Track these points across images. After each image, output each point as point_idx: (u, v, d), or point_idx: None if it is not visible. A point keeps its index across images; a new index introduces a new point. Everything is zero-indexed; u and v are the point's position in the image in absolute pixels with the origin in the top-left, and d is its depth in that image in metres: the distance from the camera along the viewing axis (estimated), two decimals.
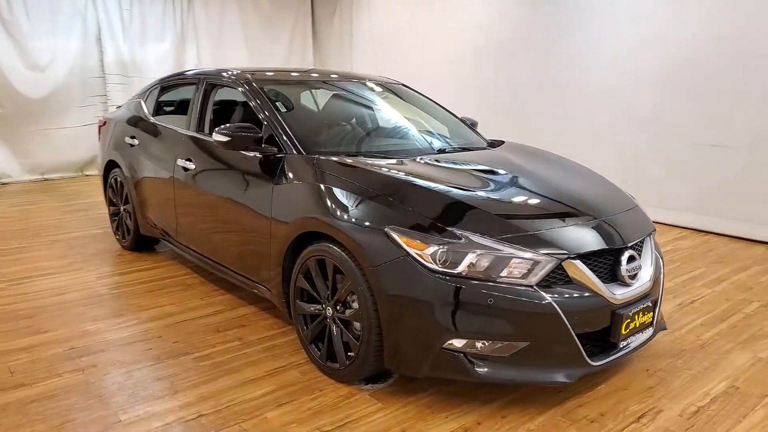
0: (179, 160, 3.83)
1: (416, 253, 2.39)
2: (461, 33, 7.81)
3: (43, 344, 3.14)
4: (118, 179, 4.72)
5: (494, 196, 2.73)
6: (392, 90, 4.14)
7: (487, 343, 2.37)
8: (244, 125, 3.23)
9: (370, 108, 3.92)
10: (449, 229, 2.41)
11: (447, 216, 2.49)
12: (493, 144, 3.78)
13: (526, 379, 2.42)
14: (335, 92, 4.00)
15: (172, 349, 3.11)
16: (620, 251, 2.59)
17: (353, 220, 2.58)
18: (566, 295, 2.38)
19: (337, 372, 2.78)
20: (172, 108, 4.55)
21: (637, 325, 2.61)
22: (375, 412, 2.55)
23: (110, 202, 4.99)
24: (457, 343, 2.37)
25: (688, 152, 5.81)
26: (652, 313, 2.70)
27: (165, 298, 3.83)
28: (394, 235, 2.43)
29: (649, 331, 2.73)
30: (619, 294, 2.52)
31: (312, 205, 2.81)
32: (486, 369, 2.38)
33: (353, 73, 4.22)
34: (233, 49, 9.70)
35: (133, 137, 4.47)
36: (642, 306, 2.61)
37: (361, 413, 2.54)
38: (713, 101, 5.56)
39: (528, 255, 2.36)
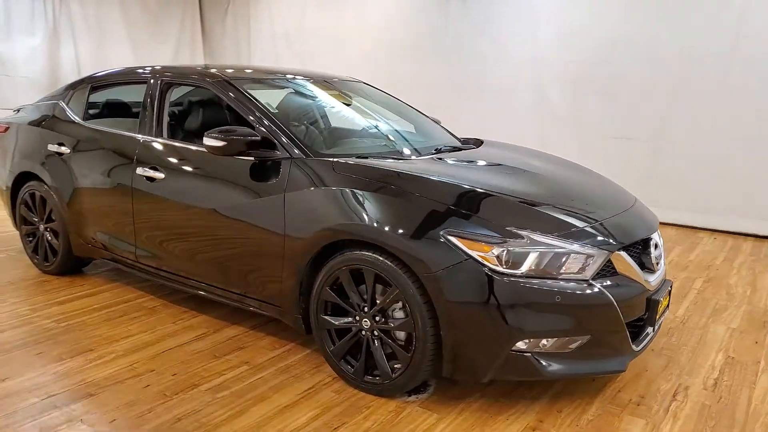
0: (140, 168, 3.39)
1: (479, 256, 2.33)
2: (376, 30, 7.80)
3: (8, 396, 2.62)
4: (37, 194, 4.08)
5: (532, 193, 2.74)
6: (360, 89, 4.01)
7: (551, 341, 2.37)
8: (235, 128, 2.94)
9: (356, 108, 3.76)
10: (509, 229, 2.38)
11: (503, 216, 2.46)
12: (476, 142, 3.81)
13: (588, 371, 2.47)
14: (310, 92, 3.78)
15: (175, 383, 2.74)
16: (647, 240, 2.73)
17: (401, 226, 2.45)
18: (616, 286, 2.45)
19: (377, 386, 2.63)
20: (110, 111, 4.03)
21: (662, 309, 2.77)
22: (435, 423, 2.45)
23: (23, 221, 4.30)
24: (522, 344, 2.35)
25: (601, 144, 6.30)
26: (668, 296, 2.89)
27: (132, 325, 3.38)
28: (454, 239, 2.35)
29: (666, 314, 2.91)
30: (651, 280, 2.66)
31: (343, 213, 2.62)
32: (554, 366, 2.38)
33: (321, 72, 4.01)
34: (116, 48, 8.86)
35: (60, 144, 3.88)
36: (665, 290, 2.77)
37: (423, 427, 2.42)
38: (623, 97, 6.10)
39: (584, 249, 2.40)
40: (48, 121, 4.07)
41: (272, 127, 2.99)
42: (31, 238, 4.29)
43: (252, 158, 2.93)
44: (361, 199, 2.60)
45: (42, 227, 4.13)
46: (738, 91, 5.47)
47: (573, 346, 2.40)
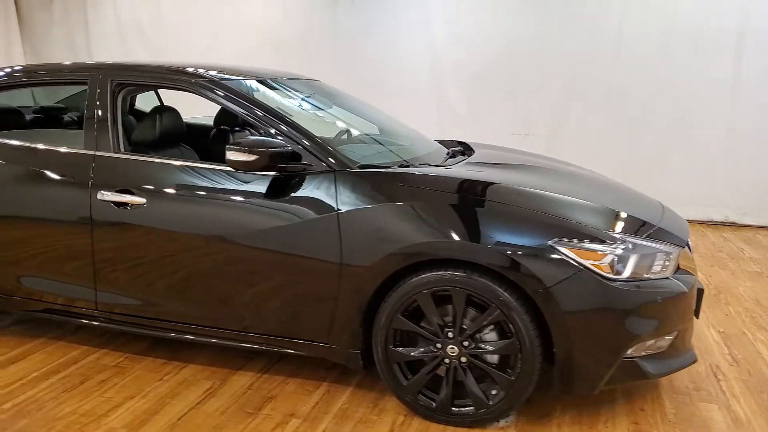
0: (102, 193, 2.67)
1: (592, 265, 2.23)
2: (259, 27, 7.23)
3: None
4: None
5: (598, 197, 2.71)
6: (323, 89, 3.61)
7: (652, 342, 2.37)
8: (261, 139, 2.47)
9: (341, 113, 3.38)
10: (611, 234, 2.32)
11: (600, 222, 2.39)
12: (459, 144, 3.68)
13: (678, 366, 2.51)
14: (303, 95, 3.31)
15: None
16: None
17: (504, 241, 2.25)
18: (686, 282, 2.53)
19: (470, 417, 2.39)
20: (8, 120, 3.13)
21: None
22: None
23: None
24: (631, 349, 2.32)
25: (502, 141, 6.58)
26: None
27: (108, 392, 2.66)
28: (566, 250, 2.22)
29: None
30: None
31: (425, 230, 2.32)
32: (654, 366, 2.38)
33: (276, 71, 3.53)
34: None
35: None
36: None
37: None
38: (520, 96, 6.44)
39: (666, 248, 2.43)
40: None
41: (301, 136, 2.56)
42: None
43: (277, 173, 2.48)
44: (446, 213, 2.34)
45: None
46: (622, 87, 6.09)
47: (666, 343, 2.43)
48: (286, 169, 2.49)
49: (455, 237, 2.29)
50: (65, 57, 8.17)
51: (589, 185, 2.98)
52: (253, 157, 2.38)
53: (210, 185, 2.59)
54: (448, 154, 3.19)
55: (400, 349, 2.43)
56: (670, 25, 5.87)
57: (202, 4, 7.47)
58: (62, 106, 3.98)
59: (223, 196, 2.57)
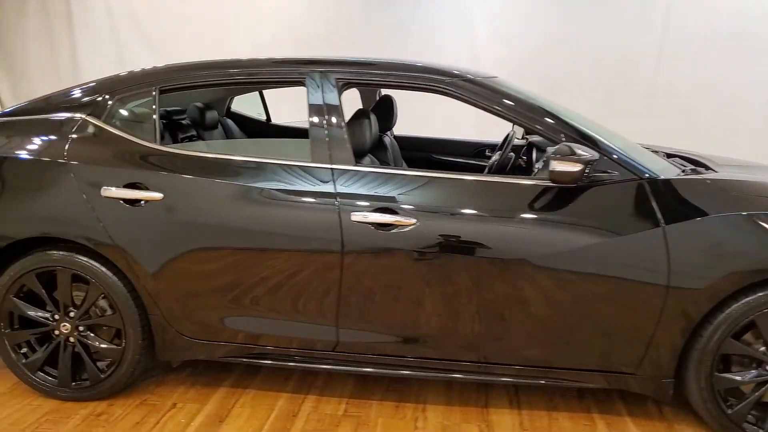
0: (357, 214, 2.24)
1: None
2: (279, 20, 6.68)
3: None
4: (62, 272, 2.41)
5: None
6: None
7: None
8: (567, 146, 2.15)
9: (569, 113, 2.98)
10: None
11: None
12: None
13: None
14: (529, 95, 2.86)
15: None
16: None
17: None
18: None
19: None
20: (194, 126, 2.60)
21: None
22: None
23: (14, 322, 2.51)
24: None
25: None
26: None
27: None
28: None
29: None
30: None
31: None
32: None
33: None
34: None
35: (136, 186, 2.33)
36: None
37: None
38: (562, 95, 6.32)
39: None
40: (77, 150, 2.42)
41: (597, 142, 2.27)
42: (25, 349, 2.54)
43: (582, 184, 2.19)
44: None
45: (68, 329, 2.46)
46: (664, 89, 6.18)
47: None
48: (590, 179, 2.19)
49: None
50: (42, 53, 7.17)
51: None
52: (578, 167, 2.07)
53: (495, 201, 2.24)
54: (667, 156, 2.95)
55: (727, 375, 2.22)
56: (714, 24, 6.02)
57: None
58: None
59: (509, 213, 2.22)
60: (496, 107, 2.36)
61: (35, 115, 2.58)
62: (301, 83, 2.45)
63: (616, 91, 6.23)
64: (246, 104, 4.07)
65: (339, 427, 2.39)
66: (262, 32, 6.74)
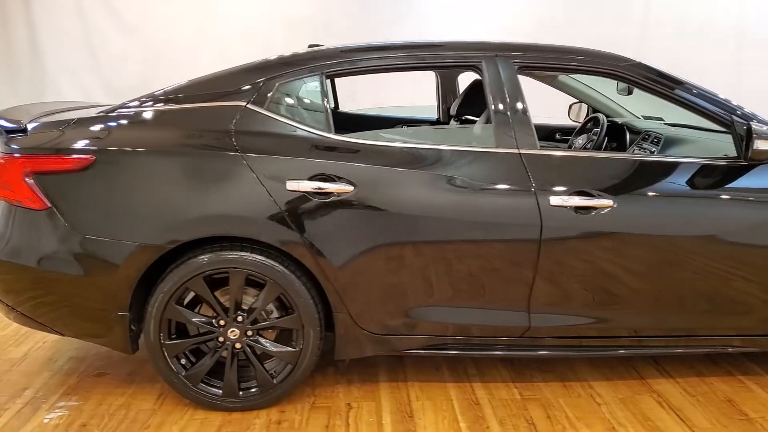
0: (556, 197, 2.26)
1: None
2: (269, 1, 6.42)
3: None
4: (238, 275, 2.23)
5: None
6: None
7: None
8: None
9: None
10: None
11: None
12: None
13: None
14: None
15: None
16: None
17: None
18: None
19: None
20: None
21: None
22: None
23: (173, 329, 2.30)
24: None
25: None
26: None
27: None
28: None
29: None
30: None
31: None
32: None
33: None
34: None
35: (326, 179, 2.20)
36: None
37: None
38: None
39: None
40: (246, 142, 2.23)
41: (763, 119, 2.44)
42: (186, 356, 2.34)
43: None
44: None
45: (236, 334, 2.29)
46: None
47: None
48: None
49: None
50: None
51: None
52: None
53: (697, 181, 2.35)
54: None
55: None
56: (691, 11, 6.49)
57: None
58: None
59: (715, 192, 2.36)
60: (667, 91, 2.45)
61: (182, 104, 2.34)
62: (476, 68, 2.41)
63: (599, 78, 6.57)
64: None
65: (528, 410, 2.41)
66: (252, 15, 6.44)
